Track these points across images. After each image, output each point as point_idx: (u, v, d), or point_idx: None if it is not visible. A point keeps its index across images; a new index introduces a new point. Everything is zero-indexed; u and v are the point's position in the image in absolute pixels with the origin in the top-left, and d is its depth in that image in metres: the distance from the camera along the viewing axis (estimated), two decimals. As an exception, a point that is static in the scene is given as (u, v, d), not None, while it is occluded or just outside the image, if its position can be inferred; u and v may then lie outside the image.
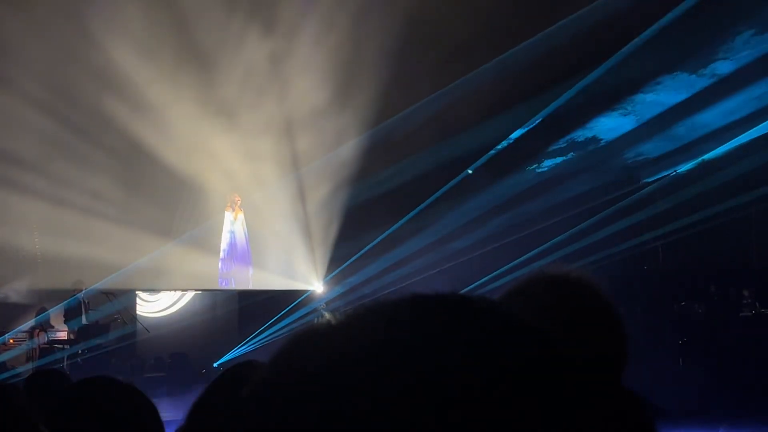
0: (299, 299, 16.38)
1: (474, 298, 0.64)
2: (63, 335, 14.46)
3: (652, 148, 17.02)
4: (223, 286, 17.01)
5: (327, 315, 0.64)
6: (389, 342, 0.59)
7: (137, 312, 15.72)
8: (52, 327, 14.54)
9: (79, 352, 13.95)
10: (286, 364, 0.62)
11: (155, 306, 16.12)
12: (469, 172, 17.48)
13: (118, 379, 2.03)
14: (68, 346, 14.20)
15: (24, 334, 14.68)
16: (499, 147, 17.38)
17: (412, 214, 17.04)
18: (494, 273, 14.74)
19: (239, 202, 17.08)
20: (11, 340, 14.59)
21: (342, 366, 0.58)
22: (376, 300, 0.64)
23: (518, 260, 14.54)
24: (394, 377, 0.56)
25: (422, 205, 17.08)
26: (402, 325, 0.60)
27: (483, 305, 0.63)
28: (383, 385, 0.56)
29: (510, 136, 17.40)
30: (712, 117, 15.92)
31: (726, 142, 15.71)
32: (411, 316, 0.62)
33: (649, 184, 16.52)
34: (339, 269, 17.30)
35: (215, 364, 14.96)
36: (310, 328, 0.64)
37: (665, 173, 16.55)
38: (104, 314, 14.91)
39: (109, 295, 15.11)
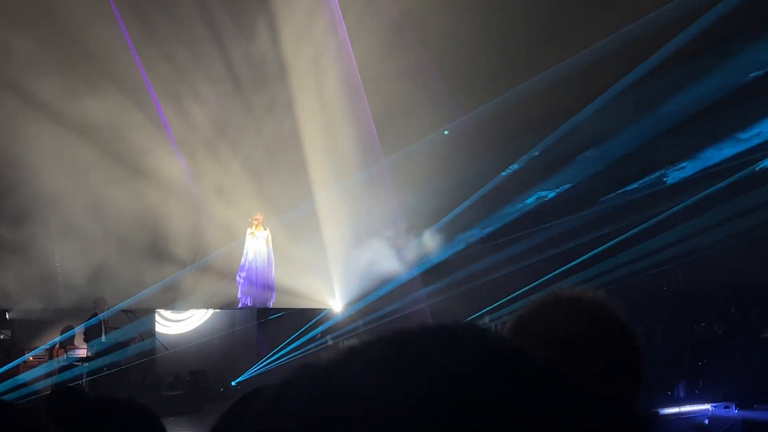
0: (318, 318, 16.32)
1: (485, 332, 0.65)
2: (82, 353, 14.49)
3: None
4: (243, 305, 16.95)
5: (342, 343, 0.65)
6: (396, 375, 0.59)
7: (156, 330, 15.72)
8: (73, 345, 14.59)
9: (100, 369, 13.98)
10: (295, 393, 0.62)
11: (176, 327, 16.12)
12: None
13: (135, 400, 2.00)
14: (87, 364, 14.21)
15: (44, 352, 14.74)
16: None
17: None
18: (511, 295, 14.59)
19: (261, 220, 16.97)
20: (32, 359, 14.65)
21: (353, 397, 0.59)
22: (391, 330, 0.64)
23: (537, 282, 14.37)
24: (402, 411, 0.57)
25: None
26: (411, 358, 0.61)
27: (491, 340, 0.64)
28: (390, 419, 0.57)
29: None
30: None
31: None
32: (422, 347, 0.62)
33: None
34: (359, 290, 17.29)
35: (233, 383, 14.92)
36: (321, 358, 0.64)
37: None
38: (124, 333, 14.93)
39: (129, 314, 15.15)
